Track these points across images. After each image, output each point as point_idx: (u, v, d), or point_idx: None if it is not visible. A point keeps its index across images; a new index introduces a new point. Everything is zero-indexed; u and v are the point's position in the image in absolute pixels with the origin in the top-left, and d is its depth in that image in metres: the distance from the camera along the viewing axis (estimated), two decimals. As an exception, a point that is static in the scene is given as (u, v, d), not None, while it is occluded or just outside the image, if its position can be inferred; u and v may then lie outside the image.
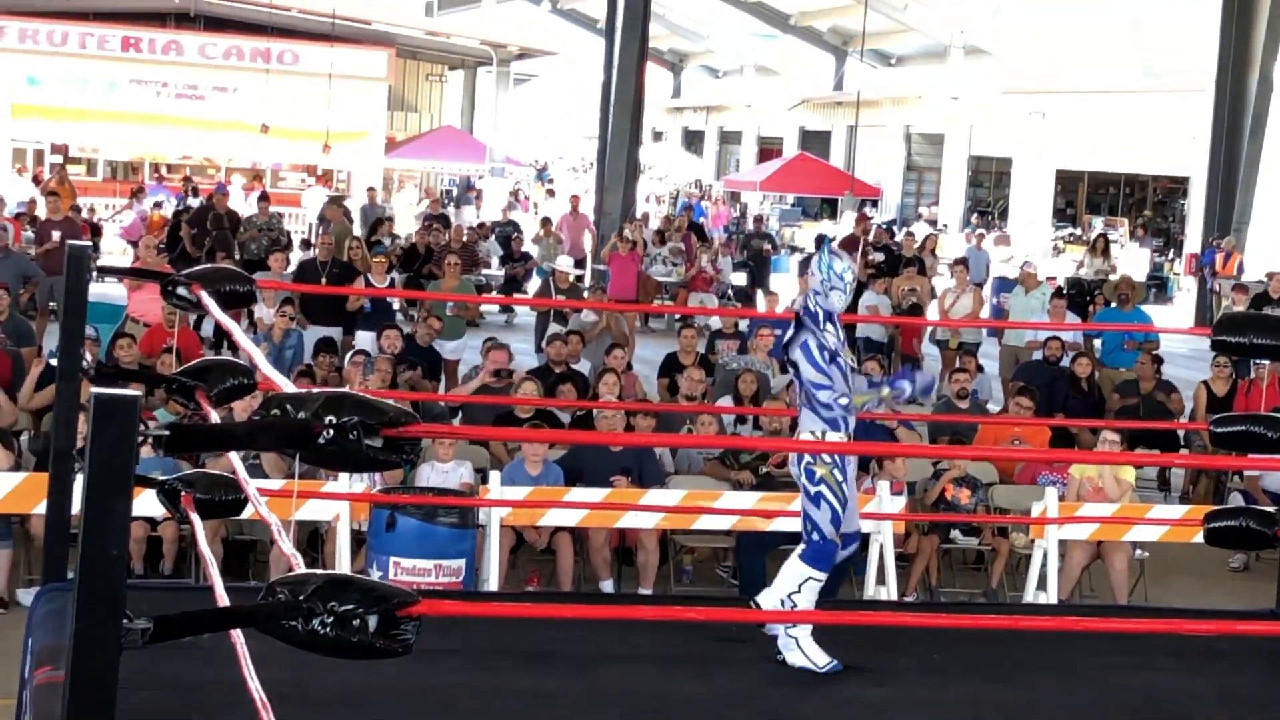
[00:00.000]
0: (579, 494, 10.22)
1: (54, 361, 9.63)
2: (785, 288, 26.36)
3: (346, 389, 10.33)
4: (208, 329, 16.67)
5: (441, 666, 6.66)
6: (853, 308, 19.29)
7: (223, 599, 5.08)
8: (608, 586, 10.87)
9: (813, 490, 7.11)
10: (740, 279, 28.18)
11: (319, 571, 3.78)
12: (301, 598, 3.63)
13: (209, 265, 7.55)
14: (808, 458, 7.09)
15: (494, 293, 26.23)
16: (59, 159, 37.40)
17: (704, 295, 24.86)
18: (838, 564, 7.51)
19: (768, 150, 54.31)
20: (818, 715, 7.01)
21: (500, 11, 51.77)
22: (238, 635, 4.69)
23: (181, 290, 6.57)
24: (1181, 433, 14.44)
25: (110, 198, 35.25)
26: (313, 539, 10.82)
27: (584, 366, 15.32)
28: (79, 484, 3.74)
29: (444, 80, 45.58)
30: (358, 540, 9.92)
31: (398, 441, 3.87)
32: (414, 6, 47.58)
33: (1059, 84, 41.04)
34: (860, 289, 20.35)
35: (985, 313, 21.60)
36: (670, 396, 14.40)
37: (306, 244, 26.94)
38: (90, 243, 8.03)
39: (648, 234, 26.61)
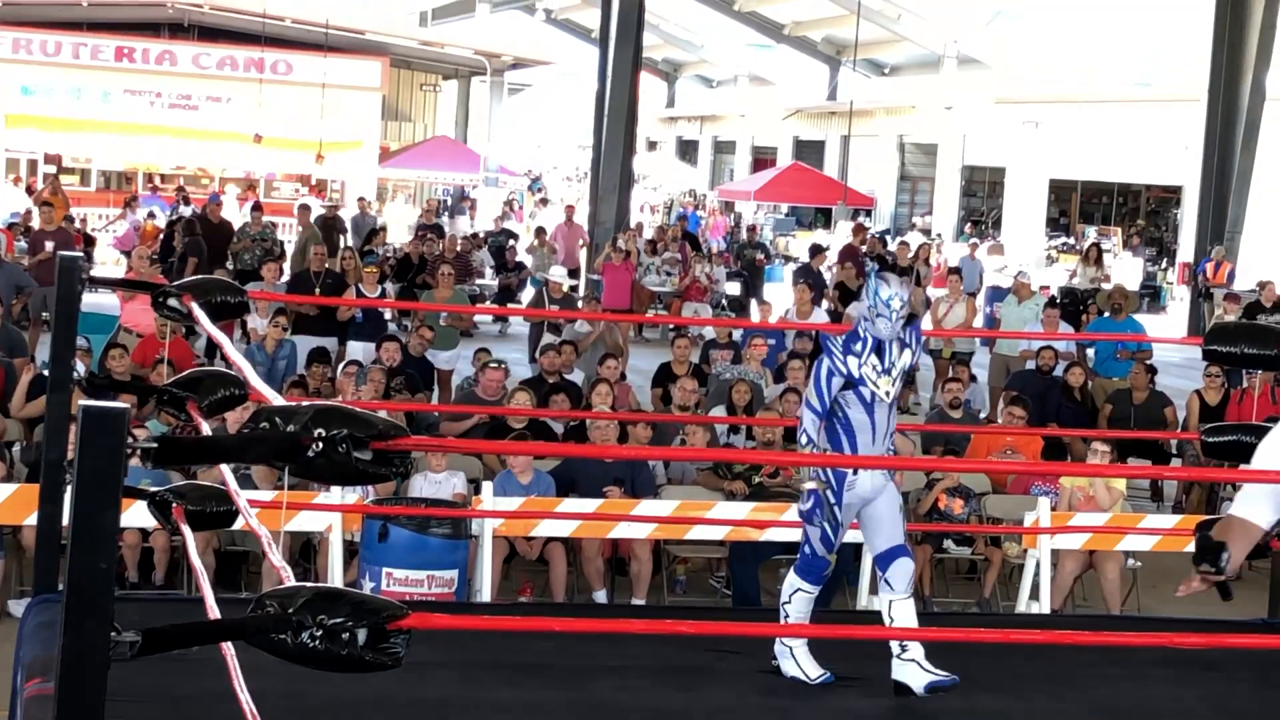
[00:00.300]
0: (572, 505, 10.21)
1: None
2: (779, 297, 26.36)
3: (338, 400, 10.31)
4: (202, 340, 16.66)
5: (432, 678, 6.66)
6: (837, 317, 19.33)
7: (213, 611, 5.07)
8: (601, 597, 10.86)
9: (805, 507, 7.16)
10: (734, 289, 28.18)
11: (309, 585, 3.77)
12: (291, 611, 3.63)
13: (200, 276, 7.54)
14: (805, 475, 7.19)
15: (488, 302, 26.22)
16: (53, 169, 37.38)
17: (698, 305, 24.87)
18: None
19: (762, 160, 54.33)
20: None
21: (494, 21, 51.79)
22: (228, 647, 4.69)
23: (173, 301, 6.58)
24: (1174, 442, 14.44)
25: (104, 208, 35.21)
26: (306, 550, 10.80)
27: (577, 377, 15.33)
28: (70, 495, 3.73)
29: (438, 90, 45.58)
30: (350, 551, 9.91)
31: (387, 454, 3.86)
32: (408, 16, 47.59)
33: (1052, 94, 41.10)
34: (849, 298, 20.39)
35: (979, 322, 21.60)
36: (664, 406, 14.40)
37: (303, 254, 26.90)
38: (83, 253, 8.04)
39: (641, 244, 26.62)
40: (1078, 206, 46.01)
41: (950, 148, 44.96)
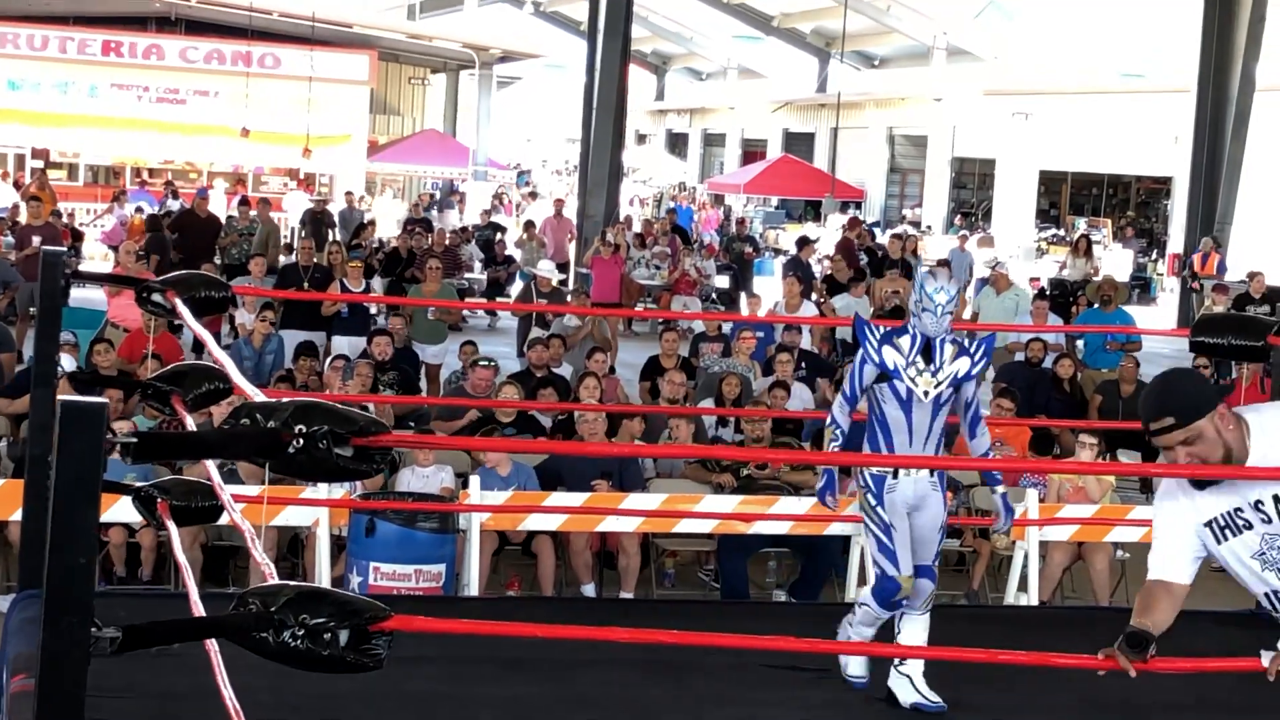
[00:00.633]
0: (559, 498, 10.20)
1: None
2: (769, 290, 26.35)
3: (321, 395, 10.28)
4: (190, 334, 16.63)
5: (418, 672, 6.64)
6: (821, 312, 19.30)
7: (197, 607, 5.05)
8: (589, 590, 10.85)
9: (819, 485, 7.20)
10: (723, 282, 28.18)
11: (292, 583, 3.75)
12: (273, 609, 3.61)
13: (185, 271, 7.51)
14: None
15: (477, 295, 26.20)
16: (40, 164, 37.29)
17: (688, 298, 24.85)
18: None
19: (751, 153, 54.32)
20: (795, 717, 7.00)
21: (482, 14, 51.72)
22: (212, 642, 4.67)
23: (156, 297, 6.54)
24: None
25: (91, 202, 35.16)
26: (294, 544, 10.79)
27: (566, 370, 15.29)
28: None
29: (426, 83, 45.50)
30: (338, 545, 9.89)
31: (368, 451, 3.84)
32: (396, 9, 47.51)
33: (1042, 85, 41.12)
34: (838, 290, 20.38)
35: (968, 314, 21.58)
36: (652, 399, 14.38)
37: (289, 248, 26.88)
38: (69, 248, 8.01)
39: (630, 237, 26.59)
40: (1068, 198, 46.07)
41: (940, 139, 44.97)
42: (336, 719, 6.39)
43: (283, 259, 23.38)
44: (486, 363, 13.40)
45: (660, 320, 19.76)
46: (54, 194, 28.58)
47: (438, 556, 9.40)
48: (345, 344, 15.94)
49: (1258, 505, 4.57)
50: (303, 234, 26.53)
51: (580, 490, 10.47)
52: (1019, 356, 16.50)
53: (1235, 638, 5.04)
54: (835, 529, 9.97)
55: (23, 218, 22.87)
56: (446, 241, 25.65)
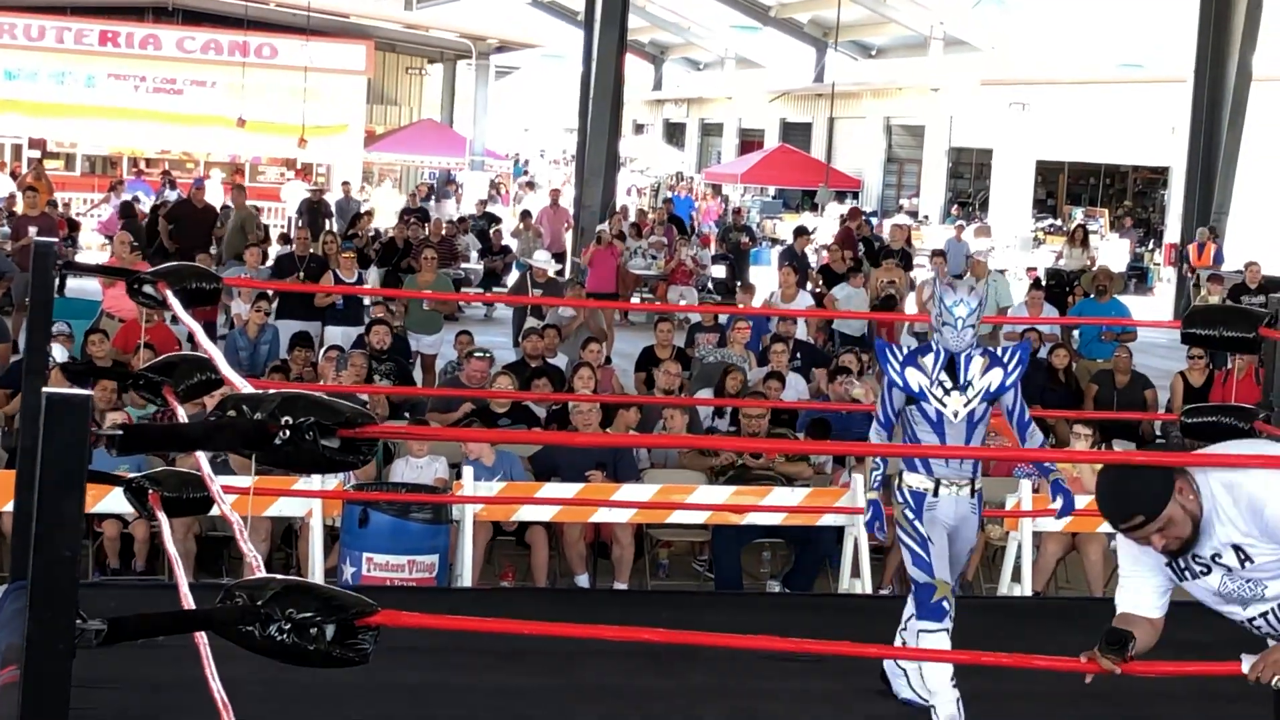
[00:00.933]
0: (553, 489, 10.19)
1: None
2: (765, 281, 26.33)
3: (316, 386, 10.26)
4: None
5: (411, 662, 6.64)
6: (818, 301, 19.28)
7: (187, 599, 5.05)
8: (583, 581, 10.84)
9: (865, 518, 7.00)
10: (720, 272, 28.14)
11: (278, 577, 3.75)
12: (260, 603, 3.61)
13: (177, 262, 7.50)
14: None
15: (474, 285, 26.19)
16: (37, 154, 37.27)
17: (684, 289, 24.82)
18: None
19: (749, 142, 54.28)
20: (789, 707, 7.00)
21: (480, 4, 51.67)
22: (201, 634, 4.67)
23: (148, 288, 6.54)
24: (1157, 425, 14.45)
25: (88, 192, 35.12)
26: (288, 535, 10.78)
27: (561, 361, 15.29)
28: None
29: (423, 73, 45.46)
30: (331, 536, 9.89)
31: (354, 442, 3.83)
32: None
33: (1039, 75, 41.09)
34: (835, 280, 20.36)
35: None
36: (647, 390, 14.36)
37: (285, 238, 26.86)
38: (65, 238, 7.99)
39: (626, 227, 26.57)
40: (1064, 188, 46.04)
41: (937, 129, 44.93)
42: (329, 709, 6.38)
43: (276, 249, 23.36)
44: (482, 354, 13.39)
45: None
46: (51, 184, 28.57)
47: (431, 547, 9.40)
48: (339, 334, 15.93)
49: (1215, 559, 4.54)
50: (299, 224, 26.50)
51: (575, 481, 10.47)
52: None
53: (1222, 627, 5.02)
54: (829, 520, 9.97)
55: (19, 208, 22.85)
56: (443, 231, 25.63)
